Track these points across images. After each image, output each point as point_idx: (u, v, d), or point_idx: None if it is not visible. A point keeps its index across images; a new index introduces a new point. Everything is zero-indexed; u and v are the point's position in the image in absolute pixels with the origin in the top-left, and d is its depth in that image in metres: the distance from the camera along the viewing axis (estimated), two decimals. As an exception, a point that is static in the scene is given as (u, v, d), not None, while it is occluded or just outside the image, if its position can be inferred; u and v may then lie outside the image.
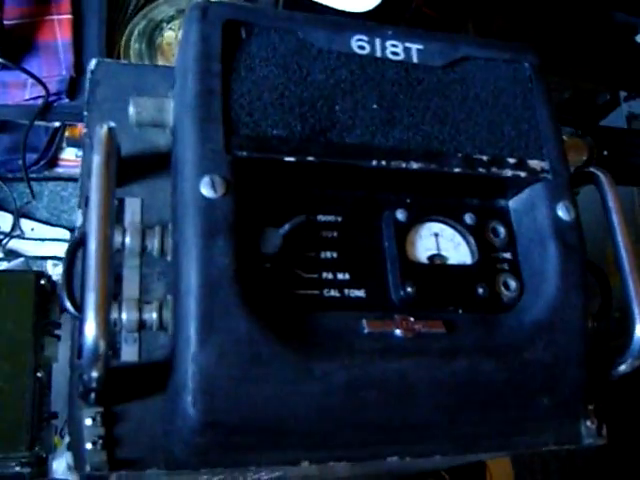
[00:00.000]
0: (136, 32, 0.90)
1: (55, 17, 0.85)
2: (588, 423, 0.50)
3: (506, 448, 0.48)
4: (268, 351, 0.38)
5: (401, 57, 0.46)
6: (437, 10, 1.24)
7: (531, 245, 0.47)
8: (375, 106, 0.44)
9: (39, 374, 0.73)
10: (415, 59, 0.47)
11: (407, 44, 0.47)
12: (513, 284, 0.46)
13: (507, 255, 0.47)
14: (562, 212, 0.46)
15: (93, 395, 0.40)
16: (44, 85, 0.82)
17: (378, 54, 0.46)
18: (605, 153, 0.53)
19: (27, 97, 0.84)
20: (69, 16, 0.85)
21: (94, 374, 0.38)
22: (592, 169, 0.50)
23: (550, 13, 1.28)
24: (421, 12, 1.19)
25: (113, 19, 0.89)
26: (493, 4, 1.25)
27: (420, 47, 0.47)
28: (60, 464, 0.79)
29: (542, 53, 0.50)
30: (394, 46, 0.46)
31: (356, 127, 0.44)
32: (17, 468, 0.73)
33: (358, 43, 0.45)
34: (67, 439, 0.42)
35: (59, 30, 0.85)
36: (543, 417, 0.45)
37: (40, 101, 0.83)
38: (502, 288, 0.46)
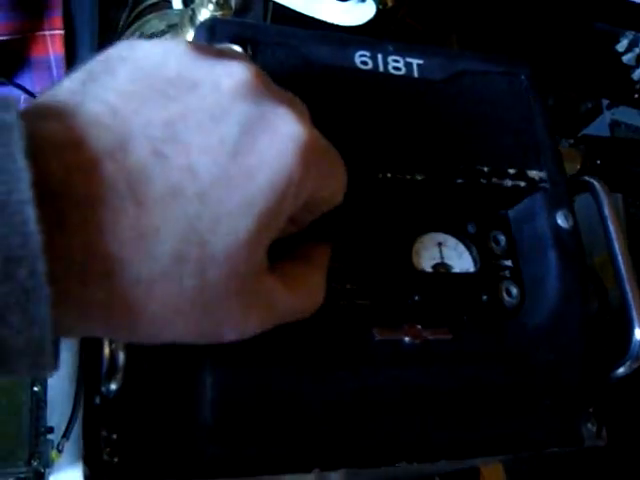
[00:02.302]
0: (128, 47, 0.91)
1: (47, 32, 0.86)
2: (589, 425, 0.51)
3: (511, 451, 0.49)
4: (283, 360, 0.39)
5: (403, 72, 0.47)
6: (420, 22, 1.26)
7: (531, 253, 0.48)
8: (380, 119, 0.46)
9: (35, 388, 0.73)
10: (416, 73, 0.48)
11: (408, 59, 0.48)
12: (515, 291, 0.47)
13: (508, 263, 0.48)
14: (561, 220, 0.47)
15: (109, 407, 0.41)
16: (38, 100, 0.82)
17: (381, 69, 0.47)
18: (598, 162, 0.54)
19: (21, 113, 0.85)
20: (61, 31, 0.86)
21: (113, 387, 0.38)
22: (587, 178, 0.51)
23: (532, 24, 1.31)
24: (405, 23, 1.20)
25: (104, 34, 0.90)
26: (476, 16, 1.27)
27: (420, 62, 0.48)
28: (57, 479, 0.79)
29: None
30: (396, 61, 0.47)
31: (361, 140, 0.45)
32: (14, 483, 0.73)
33: (361, 59, 0.47)
34: (80, 452, 0.42)
35: (51, 45, 0.86)
36: (546, 420, 0.46)
37: (34, 116, 0.84)
38: (504, 295, 0.47)
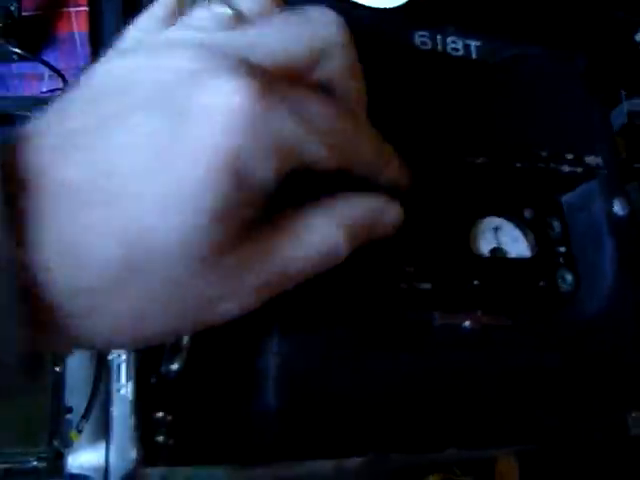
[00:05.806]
0: (152, 25, 0.90)
1: (72, 9, 0.84)
2: (634, 414, 0.51)
3: (559, 439, 0.49)
4: (347, 341, 0.39)
5: (461, 53, 0.47)
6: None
7: (586, 240, 0.48)
8: (438, 100, 0.45)
9: (57, 368, 0.73)
10: (474, 55, 0.47)
11: (467, 41, 0.47)
12: (569, 277, 0.47)
13: (562, 249, 0.48)
14: (618, 207, 0.47)
15: (166, 388, 0.40)
16: (63, 77, 0.81)
17: (439, 49, 0.46)
18: (644, 151, 0.54)
19: (44, 89, 0.83)
20: (86, 8, 0.84)
21: (174, 367, 0.38)
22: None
23: (547, 12, 1.29)
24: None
25: (129, 11, 0.88)
26: (485, 6, 1.26)
27: (478, 44, 0.47)
28: (76, 459, 0.79)
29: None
30: (454, 42, 0.47)
31: (421, 122, 0.44)
32: (34, 463, 0.73)
33: (421, 39, 0.46)
34: (136, 433, 0.41)
35: (76, 22, 0.84)
36: (592, 408, 0.46)
37: (58, 93, 0.83)
38: (559, 281, 0.47)
